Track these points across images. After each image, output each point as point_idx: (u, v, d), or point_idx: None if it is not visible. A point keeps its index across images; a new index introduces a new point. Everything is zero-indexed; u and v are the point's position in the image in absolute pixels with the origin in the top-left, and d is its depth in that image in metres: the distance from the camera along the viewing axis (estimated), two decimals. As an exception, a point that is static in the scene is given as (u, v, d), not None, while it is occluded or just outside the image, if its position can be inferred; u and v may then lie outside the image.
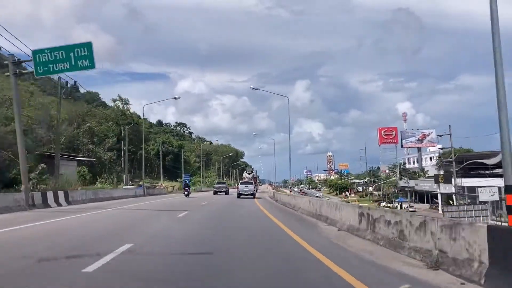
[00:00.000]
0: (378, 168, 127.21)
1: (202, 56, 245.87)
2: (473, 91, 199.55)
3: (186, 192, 40.58)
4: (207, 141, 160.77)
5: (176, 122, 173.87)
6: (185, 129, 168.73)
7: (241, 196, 37.60)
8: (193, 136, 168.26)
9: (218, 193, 46.56)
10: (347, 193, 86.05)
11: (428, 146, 79.36)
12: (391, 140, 78.77)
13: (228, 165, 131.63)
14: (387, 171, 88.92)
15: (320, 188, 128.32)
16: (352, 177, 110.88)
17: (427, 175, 76.06)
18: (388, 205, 61.91)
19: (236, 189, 44.55)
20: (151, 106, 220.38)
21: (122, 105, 70.58)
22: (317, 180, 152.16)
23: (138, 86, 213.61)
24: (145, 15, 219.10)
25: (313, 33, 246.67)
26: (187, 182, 49.50)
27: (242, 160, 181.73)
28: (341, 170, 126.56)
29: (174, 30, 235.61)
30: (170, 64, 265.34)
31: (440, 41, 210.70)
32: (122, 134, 67.56)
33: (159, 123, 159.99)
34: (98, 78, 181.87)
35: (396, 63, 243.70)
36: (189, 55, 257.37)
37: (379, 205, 60.07)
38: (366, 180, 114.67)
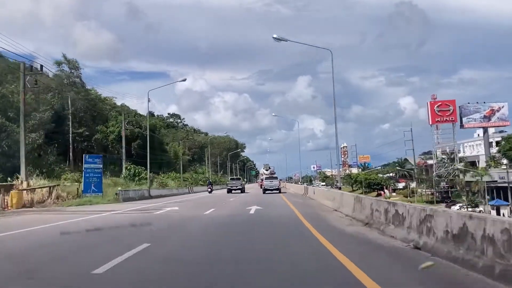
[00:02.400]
0: (406, 159, 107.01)
1: (202, 54, 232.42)
2: (476, 85, 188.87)
3: (209, 190, 44.11)
4: (203, 133, 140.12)
5: (168, 114, 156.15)
6: (179, 121, 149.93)
7: (267, 192, 37.32)
8: (188, 128, 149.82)
9: (233, 191, 41.43)
10: (386, 191, 64.52)
11: (498, 126, 58.02)
12: (447, 118, 57.51)
13: (226, 158, 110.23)
14: (432, 161, 67.73)
15: (336, 185, 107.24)
16: (377, 171, 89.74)
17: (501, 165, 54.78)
18: (466, 208, 40.63)
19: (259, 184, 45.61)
20: (151, 104, 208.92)
21: (69, 70, 49.35)
22: (331, 175, 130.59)
23: (138, 85, 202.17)
24: (145, 14, 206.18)
25: (313, 29, 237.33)
26: (210, 180, 51.63)
27: (243, 154, 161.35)
28: (364, 163, 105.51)
29: (174, 28, 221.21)
30: (170, 62, 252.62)
31: (441, 35, 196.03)
32: (67, 111, 46.55)
33: (151, 114, 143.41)
34: (98, 77, 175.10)
35: (397, 58, 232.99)
36: (189, 53, 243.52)
37: (449, 208, 38.83)
38: (392, 174, 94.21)
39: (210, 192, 43.72)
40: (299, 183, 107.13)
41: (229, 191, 42.11)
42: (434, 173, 58.28)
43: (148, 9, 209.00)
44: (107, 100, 56.27)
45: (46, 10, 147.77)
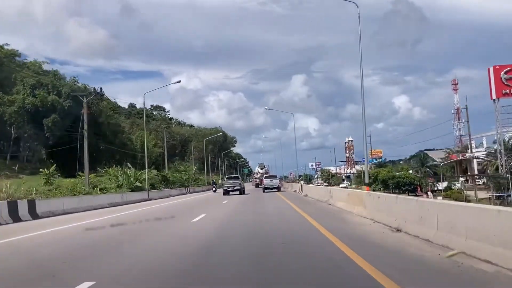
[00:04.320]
0: (426, 154, 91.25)
1: (196, 53, 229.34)
2: (472, 83, 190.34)
3: (213, 189, 49.54)
4: (188, 125, 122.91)
5: (151, 106, 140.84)
6: (164, 113, 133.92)
7: (266, 191, 38.22)
8: (172, 121, 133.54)
9: (230, 193, 35.58)
10: (429, 193, 47.09)
11: None
12: (519, 90, 40.45)
13: (213, 153, 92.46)
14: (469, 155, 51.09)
15: (345, 184, 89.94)
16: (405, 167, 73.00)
17: None
18: None
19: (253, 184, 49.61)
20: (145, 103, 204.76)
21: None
22: (336, 173, 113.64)
23: (131, 84, 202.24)
24: (138, 12, 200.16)
25: (307, 28, 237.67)
26: (213, 181, 58.05)
27: (235, 151, 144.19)
28: (383, 159, 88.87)
29: (167, 27, 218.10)
30: (164, 61, 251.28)
31: (436, 34, 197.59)
32: None
33: (131, 106, 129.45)
34: (91, 76, 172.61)
35: (391, 57, 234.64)
36: (183, 52, 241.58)
37: None
38: (410, 171, 77.83)
39: (214, 191, 47.46)
40: (302, 182, 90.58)
41: (226, 192, 36.00)
42: (501, 168, 41.03)
43: (141, 8, 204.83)
44: (29, 64, 37.97)
45: (37, 6, 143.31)
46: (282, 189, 43.35)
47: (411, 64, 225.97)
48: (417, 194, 53.10)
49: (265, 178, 44.20)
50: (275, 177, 44.78)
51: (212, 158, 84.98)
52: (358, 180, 78.14)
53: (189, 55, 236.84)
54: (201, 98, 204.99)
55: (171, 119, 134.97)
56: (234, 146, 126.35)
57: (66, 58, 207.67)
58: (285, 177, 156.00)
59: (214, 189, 49.74)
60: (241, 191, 36.81)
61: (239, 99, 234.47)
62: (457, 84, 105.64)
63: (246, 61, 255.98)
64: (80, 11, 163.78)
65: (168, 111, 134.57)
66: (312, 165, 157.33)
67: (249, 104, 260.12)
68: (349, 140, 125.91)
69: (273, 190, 38.84)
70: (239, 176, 48.60)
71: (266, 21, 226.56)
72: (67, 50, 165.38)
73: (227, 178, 44.38)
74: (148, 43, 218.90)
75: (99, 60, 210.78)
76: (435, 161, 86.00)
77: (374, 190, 58.09)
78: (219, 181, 64.63)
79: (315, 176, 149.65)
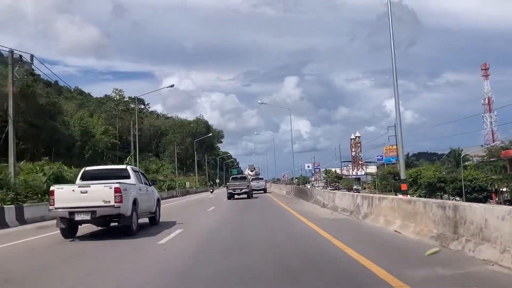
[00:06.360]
0: (454, 151, 76.35)
1: (188, 54, 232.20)
2: (461, 88, 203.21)
3: (211, 190, 52.30)
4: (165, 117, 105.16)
5: (129, 97, 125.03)
6: (143, 107, 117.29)
7: (253, 192, 37.57)
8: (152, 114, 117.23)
9: (236, 196, 31.35)
10: None
11: None
12: None
13: (192, 149, 74.06)
14: None
15: (356, 189, 72.16)
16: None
17: None
18: None
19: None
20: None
21: None
22: (343, 175, 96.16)
23: (122, 85, 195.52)
24: (130, 12, 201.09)
25: (298, 31, 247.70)
26: (211, 183, 61.69)
27: (223, 150, 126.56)
28: (408, 154, 71.77)
29: (159, 28, 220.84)
30: (155, 62, 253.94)
31: (427, 38, 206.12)
32: None
33: (106, 96, 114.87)
34: (81, 77, 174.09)
35: (382, 60, 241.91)
36: (175, 53, 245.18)
37: None
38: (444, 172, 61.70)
39: (212, 192, 50.69)
40: (303, 185, 74.72)
41: (231, 195, 31.34)
42: None
43: (133, 8, 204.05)
44: None
45: (27, 3, 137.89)
46: (282, 198, 41.72)
47: (403, 67, 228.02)
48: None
49: (252, 180, 46.19)
50: (261, 179, 48.95)
51: (180, 150, 66.44)
52: (383, 183, 60.37)
53: (180, 56, 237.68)
54: (193, 99, 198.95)
55: (151, 112, 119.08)
56: (221, 142, 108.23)
57: (56, 58, 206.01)
58: (278, 179, 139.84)
59: (211, 190, 52.62)
60: (249, 195, 32.28)
61: (231, 100, 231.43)
62: (488, 69, 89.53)
63: (238, 63, 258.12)
64: (71, 9, 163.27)
65: (148, 103, 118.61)
66: (308, 166, 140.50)
67: (241, 106, 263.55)
68: (356, 137, 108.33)
69: (260, 191, 41.33)
70: (246, 176, 43.65)
71: (258, 23, 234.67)
72: (57, 48, 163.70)
73: (232, 178, 38.37)
74: (139, 44, 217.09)
75: (90, 60, 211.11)
76: (469, 160, 70.28)
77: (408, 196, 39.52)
78: (187, 184, 55.86)
79: (312, 179, 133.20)
